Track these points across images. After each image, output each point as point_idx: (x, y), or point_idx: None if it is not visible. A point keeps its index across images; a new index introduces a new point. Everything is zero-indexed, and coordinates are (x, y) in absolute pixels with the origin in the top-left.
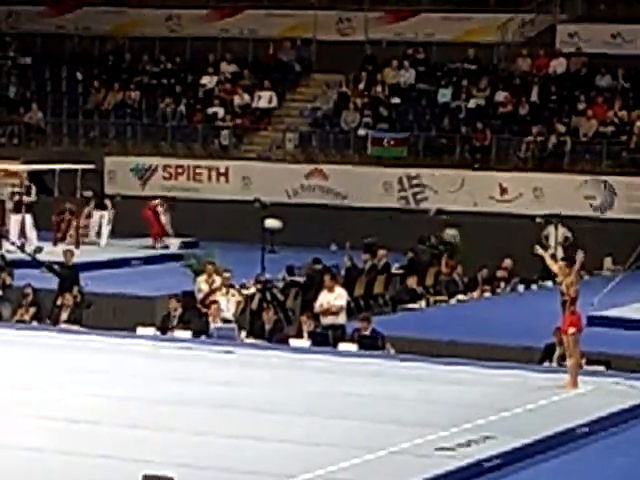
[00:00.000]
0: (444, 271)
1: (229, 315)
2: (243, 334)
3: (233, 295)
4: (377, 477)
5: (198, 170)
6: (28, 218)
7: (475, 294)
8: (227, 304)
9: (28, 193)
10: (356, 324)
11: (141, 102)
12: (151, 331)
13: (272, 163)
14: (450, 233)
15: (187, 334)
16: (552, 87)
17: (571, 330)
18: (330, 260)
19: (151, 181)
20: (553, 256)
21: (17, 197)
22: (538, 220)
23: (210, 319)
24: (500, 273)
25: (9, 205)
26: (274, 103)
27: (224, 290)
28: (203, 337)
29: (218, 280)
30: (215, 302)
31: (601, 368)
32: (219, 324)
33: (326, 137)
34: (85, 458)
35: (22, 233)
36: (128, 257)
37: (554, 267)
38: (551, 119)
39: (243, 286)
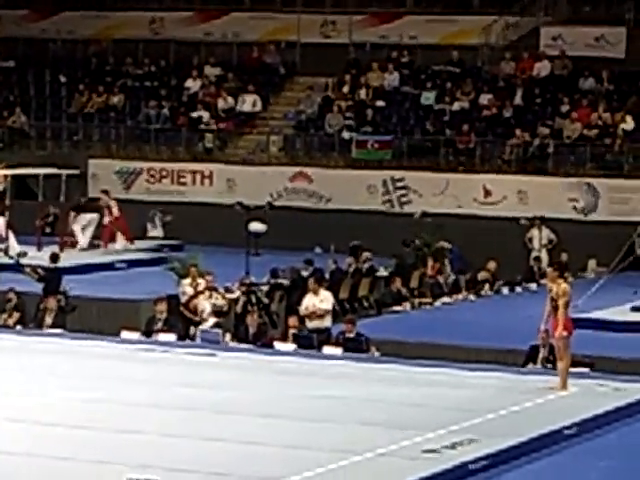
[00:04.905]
0: (429, 274)
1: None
2: (227, 337)
3: (216, 298)
4: (362, 479)
5: (182, 173)
6: (1, 220)
7: (460, 296)
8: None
9: (2, 195)
10: (341, 327)
11: (125, 105)
12: (136, 335)
13: (256, 166)
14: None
15: (171, 337)
16: (536, 90)
17: (564, 333)
18: (314, 263)
19: (135, 184)
20: (537, 258)
21: None
22: (522, 222)
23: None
24: (484, 275)
25: None
26: (258, 106)
27: (207, 293)
28: (187, 340)
29: (202, 283)
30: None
31: (585, 370)
32: (205, 327)
33: (310, 140)
34: (68, 462)
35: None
36: (112, 260)
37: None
38: (535, 122)
39: (227, 289)
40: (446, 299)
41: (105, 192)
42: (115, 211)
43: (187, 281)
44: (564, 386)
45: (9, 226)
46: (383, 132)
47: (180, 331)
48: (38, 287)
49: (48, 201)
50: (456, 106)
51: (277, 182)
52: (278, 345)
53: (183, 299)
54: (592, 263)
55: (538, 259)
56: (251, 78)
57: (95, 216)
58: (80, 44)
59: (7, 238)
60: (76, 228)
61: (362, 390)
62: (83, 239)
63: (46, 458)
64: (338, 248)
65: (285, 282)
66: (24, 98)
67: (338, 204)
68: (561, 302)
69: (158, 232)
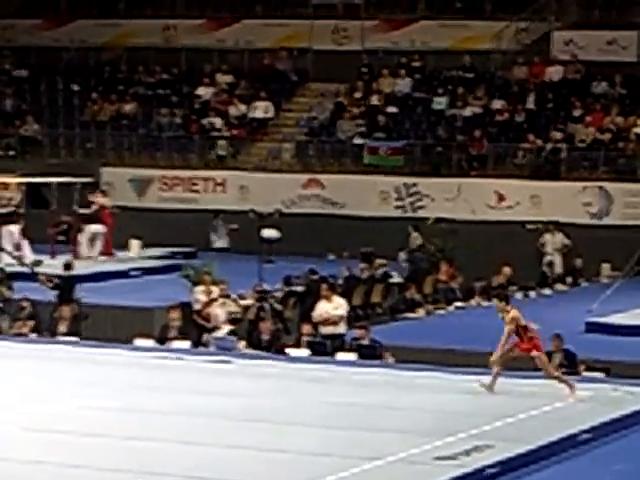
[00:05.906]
0: (443, 279)
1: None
2: (242, 344)
3: (230, 305)
4: None
5: (195, 181)
6: (15, 229)
7: (473, 302)
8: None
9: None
10: (354, 333)
11: (137, 113)
12: (149, 342)
13: (269, 173)
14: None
15: (186, 345)
16: (548, 94)
17: (536, 353)
18: (328, 270)
19: (148, 192)
20: (550, 264)
21: (8, 209)
22: (529, 227)
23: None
24: (498, 281)
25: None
26: (270, 113)
27: (221, 301)
28: (201, 348)
29: (215, 291)
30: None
31: (600, 375)
32: (220, 334)
33: (323, 147)
34: (82, 470)
35: (16, 246)
36: (126, 268)
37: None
38: (548, 126)
39: (241, 296)
40: (459, 304)
41: (95, 193)
42: (107, 204)
43: (200, 288)
44: (572, 390)
45: (23, 235)
46: (395, 138)
47: (193, 338)
48: (52, 295)
49: (61, 209)
50: (468, 111)
51: (290, 189)
52: (292, 352)
53: (196, 307)
54: (606, 267)
55: (551, 264)
56: (263, 85)
57: (100, 227)
58: (93, 52)
59: (21, 247)
60: (82, 239)
61: (376, 397)
62: (89, 251)
63: (60, 466)
64: (351, 254)
65: (299, 289)
66: (37, 107)
67: (351, 210)
68: (519, 327)
69: (223, 242)
